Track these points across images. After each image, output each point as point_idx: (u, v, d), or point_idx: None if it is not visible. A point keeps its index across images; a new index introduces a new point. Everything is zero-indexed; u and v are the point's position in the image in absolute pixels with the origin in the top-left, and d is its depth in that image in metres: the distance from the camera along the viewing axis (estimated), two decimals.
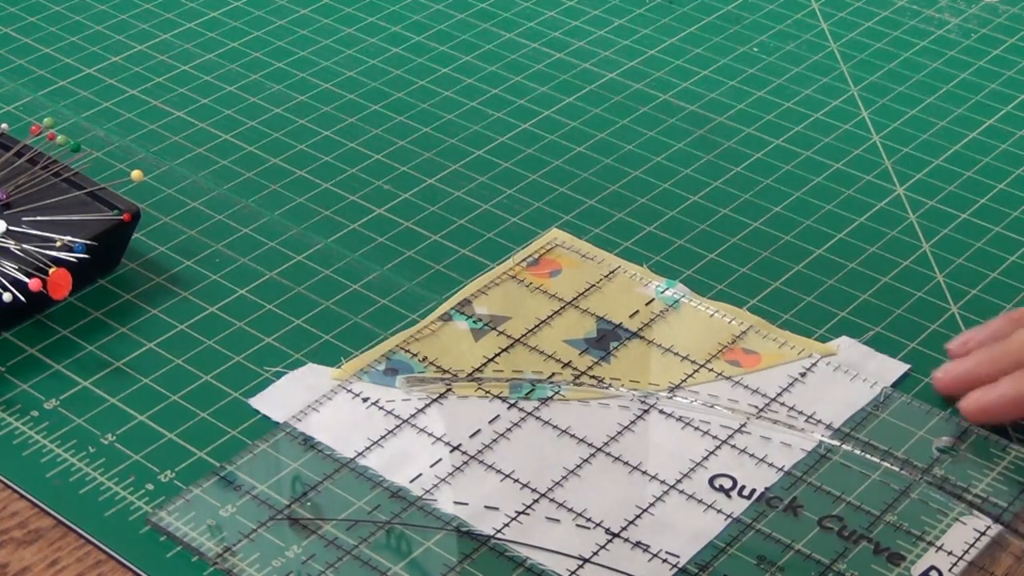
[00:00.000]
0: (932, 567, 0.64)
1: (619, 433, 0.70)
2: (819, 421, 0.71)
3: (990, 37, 1.00)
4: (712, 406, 0.72)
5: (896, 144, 0.90)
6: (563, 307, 0.77)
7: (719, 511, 0.67)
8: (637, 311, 0.77)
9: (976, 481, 0.68)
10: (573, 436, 0.70)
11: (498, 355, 0.74)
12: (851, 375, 0.73)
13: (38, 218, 0.77)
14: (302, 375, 0.73)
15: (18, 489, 0.68)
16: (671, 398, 0.72)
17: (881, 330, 0.76)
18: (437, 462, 0.69)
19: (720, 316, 0.76)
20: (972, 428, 0.70)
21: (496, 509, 0.67)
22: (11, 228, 0.76)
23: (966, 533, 0.66)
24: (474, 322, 0.76)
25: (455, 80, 0.95)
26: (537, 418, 0.71)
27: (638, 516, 0.66)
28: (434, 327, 0.76)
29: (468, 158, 0.89)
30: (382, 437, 0.70)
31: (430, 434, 0.70)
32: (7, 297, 0.72)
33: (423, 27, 1.01)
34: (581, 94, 0.94)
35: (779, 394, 0.72)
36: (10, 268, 0.74)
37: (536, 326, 0.76)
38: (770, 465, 0.69)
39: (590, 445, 0.70)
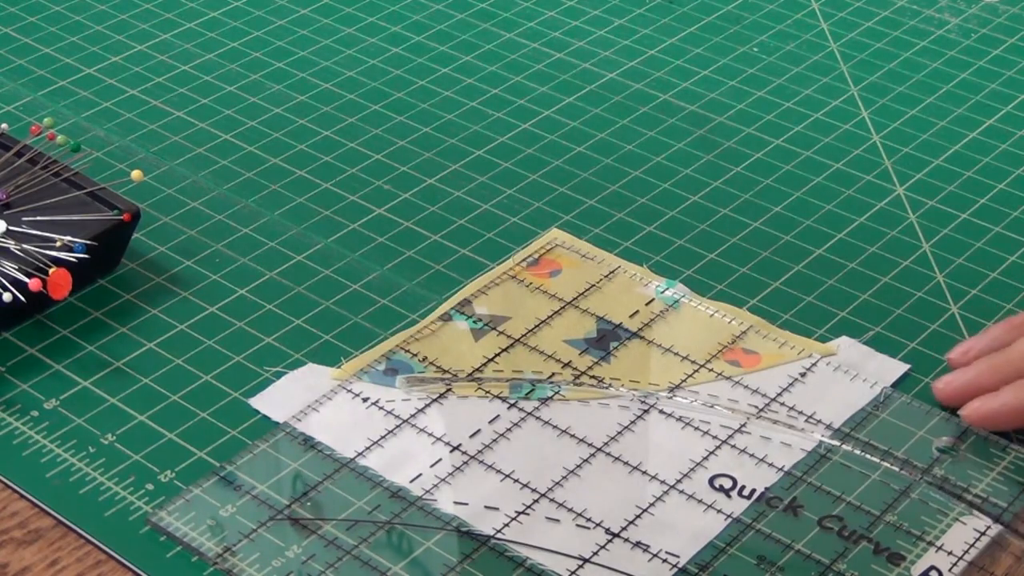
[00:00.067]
0: (932, 567, 0.64)
1: (619, 433, 0.70)
2: (819, 421, 0.71)
3: (990, 37, 1.00)
4: (712, 406, 0.72)
5: (896, 144, 0.90)
6: (563, 307, 0.77)
7: (719, 511, 0.67)
8: (637, 311, 0.77)
9: (976, 481, 0.68)
10: (573, 436, 0.70)
11: (498, 355, 0.74)
12: (851, 375, 0.73)
13: (38, 218, 0.77)
14: (302, 375, 0.73)
15: (18, 489, 0.68)
16: (671, 398, 0.72)
17: (881, 330, 0.76)
18: (437, 462, 0.69)
19: (720, 316, 0.76)
20: (972, 428, 0.70)
21: (496, 509, 0.67)
22: (11, 228, 0.76)
23: (966, 533, 0.66)
24: (474, 322, 0.76)
25: (455, 80, 0.95)
26: (537, 418, 0.71)
27: (638, 516, 0.66)
28: (434, 327, 0.76)
29: (468, 158, 0.89)
30: (382, 437, 0.70)
31: (430, 434, 0.70)
32: (7, 297, 0.72)
33: (423, 27, 1.01)
34: (581, 94, 0.94)
35: (779, 394, 0.72)
36: (10, 268, 0.74)
37: (536, 326, 0.76)
38: (770, 465, 0.69)
39: (590, 445, 0.70)
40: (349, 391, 0.72)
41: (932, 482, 0.68)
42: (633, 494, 0.67)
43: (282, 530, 0.66)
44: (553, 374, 0.73)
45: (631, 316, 0.76)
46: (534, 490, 0.67)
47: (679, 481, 0.68)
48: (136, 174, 0.80)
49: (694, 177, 0.87)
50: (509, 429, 0.70)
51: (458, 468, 0.68)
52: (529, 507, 0.67)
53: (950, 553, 0.65)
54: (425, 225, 0.83)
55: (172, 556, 0.65)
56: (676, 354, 0.74)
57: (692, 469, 0.68)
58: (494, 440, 0.70)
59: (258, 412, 0.71)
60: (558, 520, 0.66)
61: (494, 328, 0.76)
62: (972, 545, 0.65)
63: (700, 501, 0.67)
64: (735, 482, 0.68)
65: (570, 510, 0.67)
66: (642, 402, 0.72)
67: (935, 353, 0.75)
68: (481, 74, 0.96)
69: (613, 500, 0.67)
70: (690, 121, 0.92)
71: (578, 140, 0.90)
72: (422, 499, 0.67)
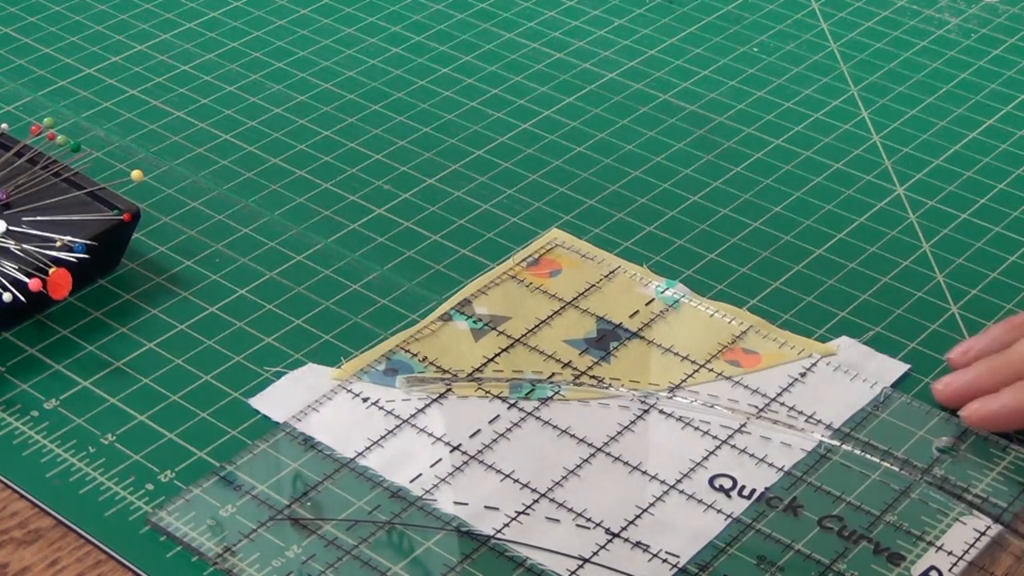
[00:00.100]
0: (932, 567, 0.64)
1: (619, 433, 0.70)
2: (819, 421, 0.71)
3: (990, 37, 1.00)
4: (712, 406, 0.72)
5: (896, 144, 0.90)
6: (563, 307, 0.77)
7: (719, 511, 0.67)
8: (637, 311, 0.77)
9: (976, 481, 0.68)
10: (573, 436, 0.70)
11: (498, 355, 0.74)
12: (851, 375, 0.73)
13: (38, 218, 0.77)
14: (302, 375, 0.73)
15: (18, 489, 0.68)
16: (671, 398, 0.72)
17: (881, 330, 0.76)
18: (437, 462, 0.69)
19: (720, 316, 0.76)
20: (972, 428, 0.70)
21: (496, 509, 0.67)
22: (11, 228, 0.76)
23: (966, 533, 0.66)
24: (474, 322, 0.76)
25: (455, 80, 0.95)
26: (537, 418, 0.71)
27: (638, 516, 0.66)
28: (434, 327, 0.76)
29: (468, 158, 0.89)
30: (382, 437, 0.70)
31: (430, 434, 0.70)
32: (7, 297, 0.72)
33: (423, 27, 1.01)
34: (581, 94, 0.94)
35: (779, 394, 0.72)
36: (10, 268, 0.74)
37: (536, 326, 0.76)
38: (770, 465, 0.69)
39: (590, 445, 0.70)
40: (349, 391, 0.72)
41: (932, 482, 0.68)
42: (633, 494, 0.67)
43: (282, 530, 0.66)
44: (553, 374, 0.73)
45: (631, 316, 0.76)
46: (534, 490, 0.67)
47: (679, 481, 0.68)
48: (136, 174, 0.81)
49: (694, 177, 0.87)
50: (509, 429, 0.70)
51: (458, 468, 0.68)
52: (529, 507, 0.67)
53: (950, 553, 0.65)
54: (425, 225, 0.83)
55: (172, 556, 0.65)
56: (676, 354, 0.74)
57: (692, 469, 0.68)
58: (494, 440, 0.70)
59: (258, 412, 0.71)
60: (558, 520, 0.66)
61: (494, 328, 0.76)
62: (972, 545, 0.65)
63: (700, 501, 0.67)
64: (735, 482, 0.68)
65: (570, 510, 0.67)
66: (642, 402, 0.72)
67: (935, 353, 0.75)
68: (481, 74, 0.96)
69: (613, 500, 0.67)
70: (690, 121, 0.92)
71: (578, 140, 0.90)
72: (422, 499, 0.67)
